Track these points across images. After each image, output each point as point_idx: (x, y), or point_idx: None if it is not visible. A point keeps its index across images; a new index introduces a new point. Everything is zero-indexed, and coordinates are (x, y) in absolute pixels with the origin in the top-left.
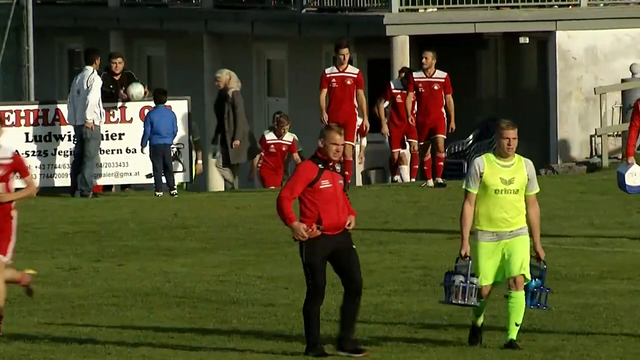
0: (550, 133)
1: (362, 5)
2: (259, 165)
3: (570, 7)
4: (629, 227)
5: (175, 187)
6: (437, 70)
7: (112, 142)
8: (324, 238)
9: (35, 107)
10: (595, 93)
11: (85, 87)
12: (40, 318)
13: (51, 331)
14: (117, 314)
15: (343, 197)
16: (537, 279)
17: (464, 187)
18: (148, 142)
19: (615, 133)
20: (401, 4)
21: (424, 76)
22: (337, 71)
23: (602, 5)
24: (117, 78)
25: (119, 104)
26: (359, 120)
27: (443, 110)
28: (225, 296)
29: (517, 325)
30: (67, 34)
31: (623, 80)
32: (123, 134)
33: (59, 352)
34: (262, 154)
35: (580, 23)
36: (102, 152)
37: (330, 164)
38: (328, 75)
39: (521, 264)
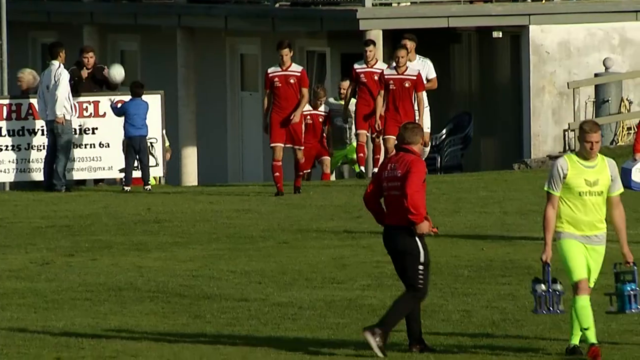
0: (524, 127)
1: None
2: None
3: (543, 1)
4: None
5: (149, 181)
6: (408, 67)
7: (85, 137)
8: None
9: (9, 101)
10: (568, 87)
11: (53, 81)
12: (14, 313)
13: (24, 326)
14: (90, 308)
15: None
16: (630, 282)
17: (545, 189)
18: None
19: None
20: None
21: (395, 73)
22: (280, 70)
23: None
24: (89, 71)
25: (91, 98)
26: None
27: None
28: (199, 291)
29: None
30: (41, 29)
31: (596, 75)
32: (96, 129)
33: (32, 347)
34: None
35: (554, 17)
36: (75, 146)
37: None
38: (270, 75)
39: (594, 278)
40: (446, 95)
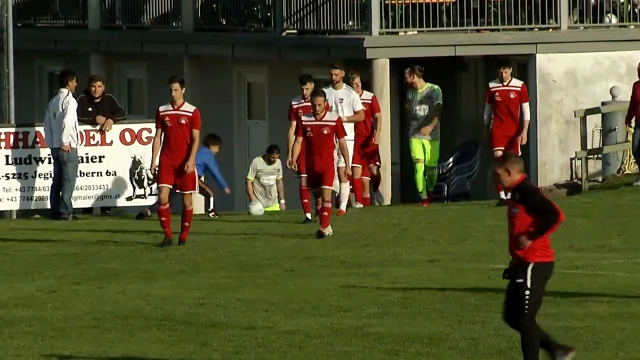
0: (531, 156)
1: (342, 28)
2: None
3: (550, 30)
4: (609, 250)
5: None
6: (327, 113)
7: (92, 165)
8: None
9: (15, 129)
10: (575, 116)
11: (60, 109)
12: (20, 341)
13: (31, 354)
14: (97, 336)
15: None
16: None
17: None
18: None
19: (596, 156)
20: (381, 27)
21: (313, 119)
22: (171, 109)
23: (582, 28)
24: (97, 101)
25: (98, 127)
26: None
27: (335, 155)
28: (205, 319)
29: None
30: (47, 57)
31: (603, 103)
32: (103, 157)
33: None
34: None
35: (561, 46)
36: (82, 174)
37: None
38: (161, 113)
39: None
40: (453, 124)
